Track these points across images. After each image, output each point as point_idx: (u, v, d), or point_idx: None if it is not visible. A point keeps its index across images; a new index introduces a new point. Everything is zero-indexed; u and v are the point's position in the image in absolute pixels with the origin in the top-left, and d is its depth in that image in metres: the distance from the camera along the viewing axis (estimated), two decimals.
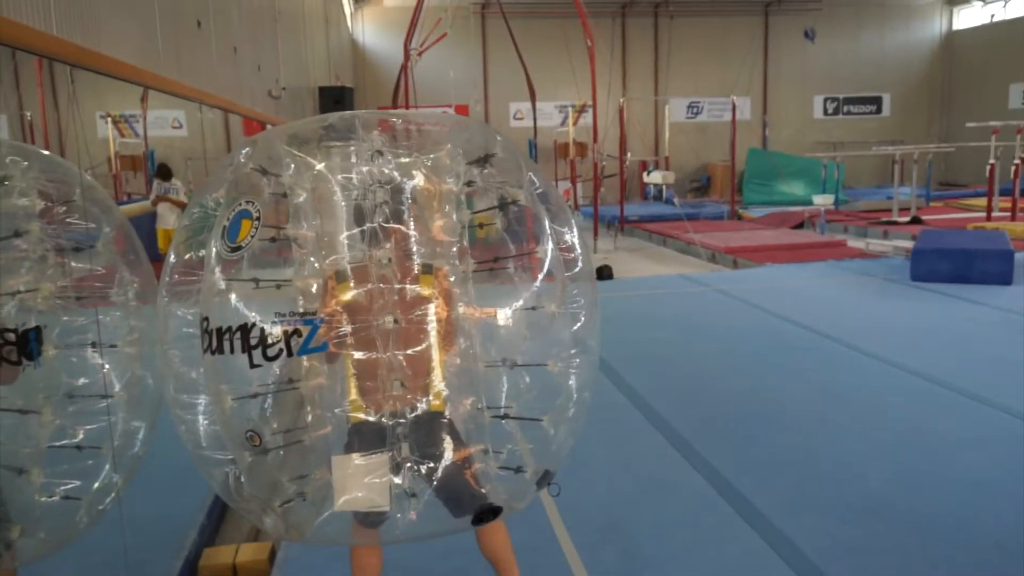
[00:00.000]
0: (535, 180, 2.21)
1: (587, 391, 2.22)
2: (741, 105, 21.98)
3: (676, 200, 16.76)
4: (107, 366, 2.36)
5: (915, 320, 6.78)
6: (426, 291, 2.05)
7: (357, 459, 1.97)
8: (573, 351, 2.18)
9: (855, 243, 11.65)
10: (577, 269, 2.20)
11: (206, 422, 2.09)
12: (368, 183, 2.04)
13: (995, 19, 24.26)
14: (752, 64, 22.93)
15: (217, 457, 2.09)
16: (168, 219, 9.56)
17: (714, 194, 21.17)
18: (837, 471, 3.70)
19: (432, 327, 2.06)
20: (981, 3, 24.46)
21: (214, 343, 1.95)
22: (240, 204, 2.05)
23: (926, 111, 24.30)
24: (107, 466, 2.32)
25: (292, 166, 2.05)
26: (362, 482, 1.95)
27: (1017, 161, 12.80)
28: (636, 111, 19.95)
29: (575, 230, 2.26)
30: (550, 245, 2.15)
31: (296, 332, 1.92)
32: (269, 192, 2.06)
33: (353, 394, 2.07)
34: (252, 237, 1.99)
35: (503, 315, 2.10)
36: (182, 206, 9.59)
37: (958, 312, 6.97)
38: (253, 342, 1.91)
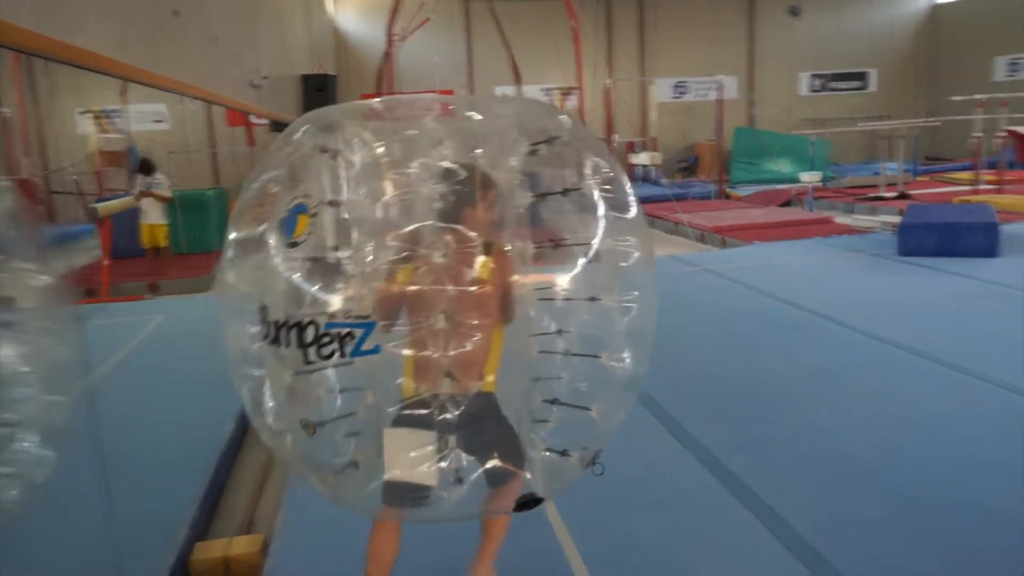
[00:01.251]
0: (602, 165, 2.16)
1: (637, 382, 2.22)
2: (727, 84, 21.94)
3: (663, 180, 16.74)
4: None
5: (903, 295, 6.81)
6: (484, 276, 2.04)
7: (408, 434, 2.02)
8: (624, 342, 2.17)
9: (843, 220, 11.68)
10: (634, 259, 2.16)
11: (269, 394, 2.11)
12: (427, 175, 2.03)
13: None
14: (738, 42, 22.88)
15: (278, 426, 2.11)
16: (151, 214, 9.46)
17: (702, 174, 21.16)
18: (828, 447, 3.72)
19: (487, 320, 2.10)
20: None
21: (271, 333, 1.98)
22: (298, 198, 2.03)
23: (912, 86, 24.31)
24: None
25: (356, 143, 2.04)
26: (411, 457, 2.00)
27: (1002, 134, 12.83)
28: (622, 92, 19.84)
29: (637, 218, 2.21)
30: (600, 230, 2.09)
31: (350, 334, 1.93)
32: (328, 170, 2.05)
33: (407, 375, 2.10)
34: (308, 234, 1.99)
35: (562, 280, 2.10)
36: (166, 200, 9.49)
37: (945, 286, 7.00)
38: (308, 340, 1.94)
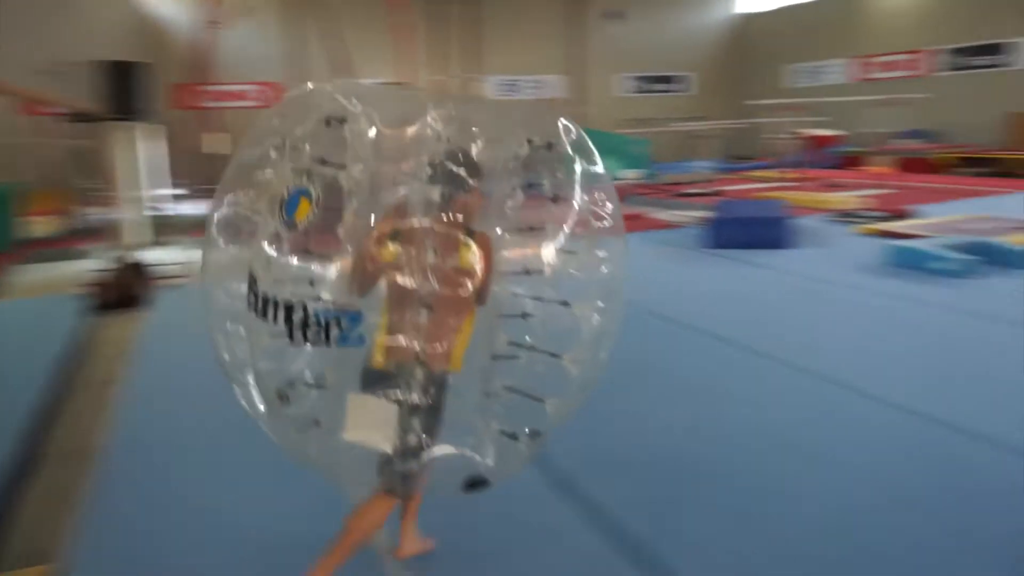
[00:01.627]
0: (591, 167, 2.33)
1: (593, 384, 2.32)
2: (551, 83, 22.65)
3: None
4: None
5: (712, 284, 7.34)
6: (465, 265, 2.16)
7: (372, 401, 2.09)
8: (587, 345, 2.28)
9: (660, 215, 12.38)
10: (606, 225, 2.29)
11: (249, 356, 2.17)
12: (431, 159, 2.13)
13: (777, 5, 26.47)
14: (567, 42, 23.67)
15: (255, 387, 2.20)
16: None
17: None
18: (640, 432, 3.93)
19: (463, 309, 2.22)
20: None
21: (259, 306, 2.04)
22: (303, 180, 2.07)
23: (724, 89, 26.19)
24: None
25: (360, 113, 2.10)
26: (371, 422, 2.08)
27: (794, 135, 14.10)
28: (455, 89, 19.99)
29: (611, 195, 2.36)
30: (576, 198, 2.25)
31: (337, 322, 2.02)
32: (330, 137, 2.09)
33: (379, 346, 2.16)
34: (309, 219, 2.04)
35: (546, 252, 2.23)
36: None
37: (747, 275, 7.62)
38: (295, 321, 2.01)
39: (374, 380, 2.14)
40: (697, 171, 15.07)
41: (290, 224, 2.05)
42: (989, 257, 7.29)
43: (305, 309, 2.00)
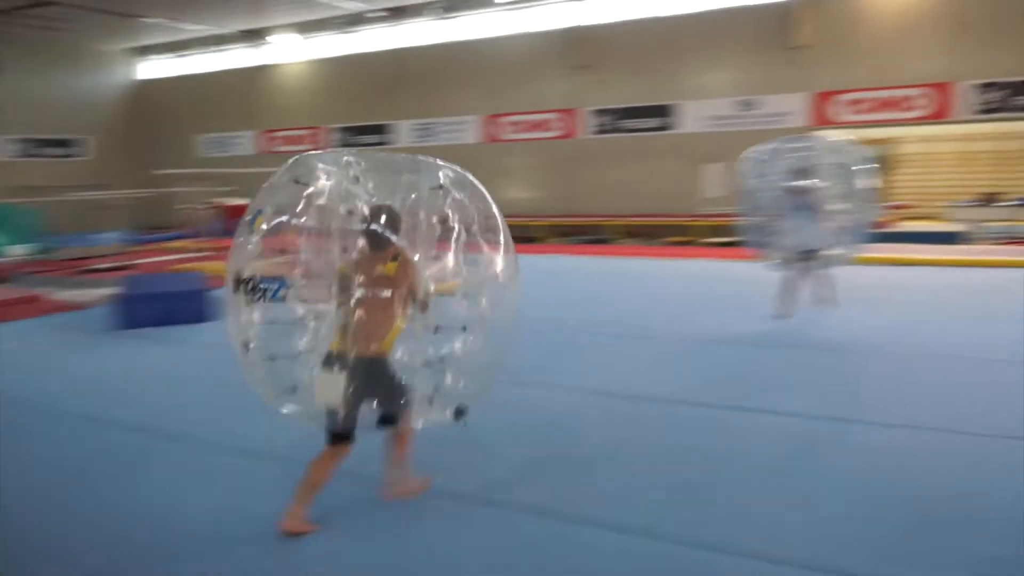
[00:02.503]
0: (467, 199, 3.51)
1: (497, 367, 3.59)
2: None
3: None
4: None
5: (124, 368, 6.74)
6: (389, 274, 3.38)
7: (328, 374, 3.29)
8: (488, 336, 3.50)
9: (60, 295, 10.99)
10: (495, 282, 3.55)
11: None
12: (364, 205, 3.43)
13: (180, 73, 26.36)
14: None
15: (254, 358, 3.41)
16: None
17: None
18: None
19: (389, 300, 3.36)
20: (167, 56, 26.22)
21: (239, 287, 3.37)
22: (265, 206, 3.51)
23: (128, 156, 24.84)
24: None
25: (322, 177, 3.47)
26: (330, 387, 3.28)
27: (205, 206, 14.09)
28: None
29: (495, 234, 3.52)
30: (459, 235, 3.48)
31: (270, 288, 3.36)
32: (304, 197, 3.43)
33: (335, 335, 3.38)
34: (263, 228, 3.46)
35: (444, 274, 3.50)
36: None
37: (164, 354, 7.21)
38: (249, 288, 3.36)
39: (330, 360, 3.32)
40: (105, 244, 13.86)
41: (252, 230, 3.42)
42: None
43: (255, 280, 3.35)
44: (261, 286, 3.30)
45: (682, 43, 20.11)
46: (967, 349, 6.50)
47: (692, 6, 20.29)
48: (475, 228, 3.47)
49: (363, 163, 3.49)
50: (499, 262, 3.50)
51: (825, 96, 18.76)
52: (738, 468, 4.18)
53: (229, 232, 15.08)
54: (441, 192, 3.49)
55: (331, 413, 3.31)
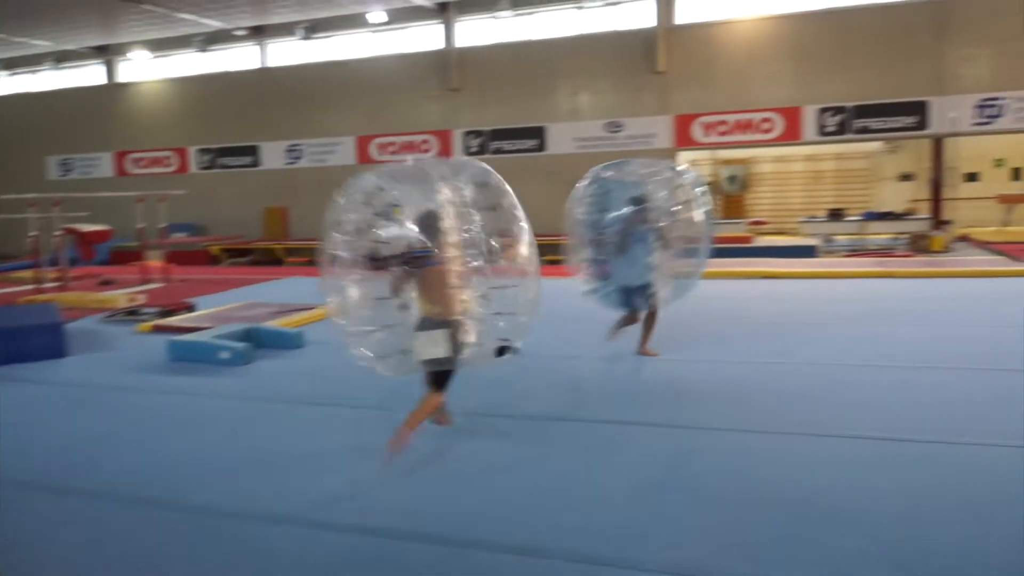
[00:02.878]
0: (504, 202, 4.66)
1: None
2: None
3: None
4: None
5: None
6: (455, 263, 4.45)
7: (426, 333, 4.41)
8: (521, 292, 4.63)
9: None
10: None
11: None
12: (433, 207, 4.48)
13: (26, 90, 24.60)
14: None
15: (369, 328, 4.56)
16: None
17: None
18: None
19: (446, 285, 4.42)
20: (9, 73, 24.42)
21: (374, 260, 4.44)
22: (391, 210, 4.49)
23: None
24: None
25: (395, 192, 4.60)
26: (430, 344, 4.39)
27: (59, 232, 13.16)
28: None
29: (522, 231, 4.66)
30: (525, 237, 4.65)
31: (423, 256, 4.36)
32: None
33: (420, 302, 4.50)
34: (401, 214, 4.42)
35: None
36: None
37: (14, 395, 6.64)
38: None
39: (424, 324, 4.43)
40: None
41: (392, 218, 4.45)
42: (258, 341, 7.97)
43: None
44: (415, 254, 4.29)
45: (553, 66, 20.70)
46: (827, 356, 6.99)
47: (563, 31, 20.94)
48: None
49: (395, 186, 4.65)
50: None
51: (687, 119, 19.79)
52: (615, 480, 4.28)
53: (84, 260, 14.27)
54: (486, 191, 4.68)
55: (435, 362, 4.44)
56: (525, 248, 4.60)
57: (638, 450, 4.74)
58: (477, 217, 4.52)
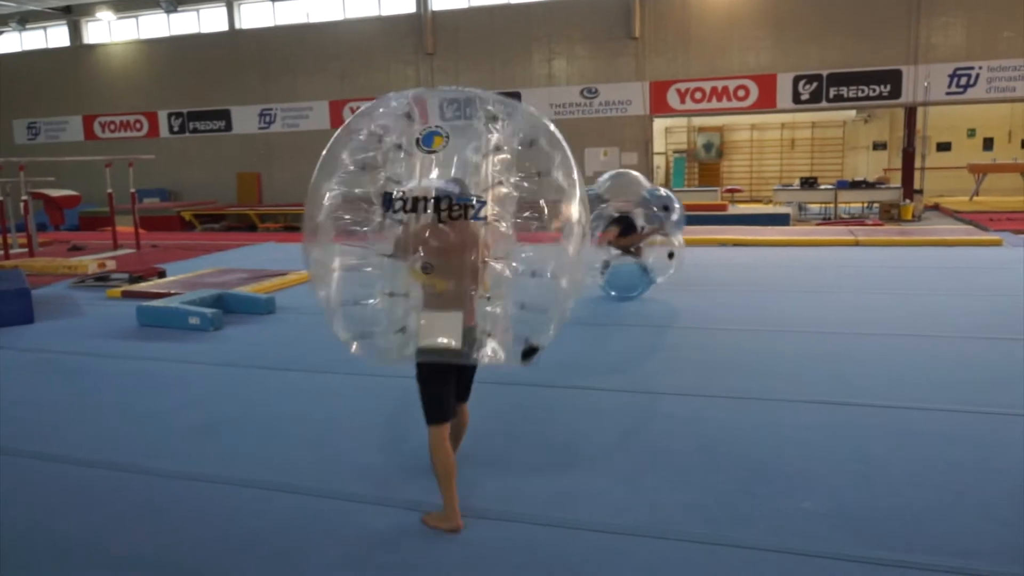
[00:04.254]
0: (565, 162, 3.36)
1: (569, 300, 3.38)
2: None
3: None
4: None
5: None
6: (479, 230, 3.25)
7: (438, 314, 3.22)
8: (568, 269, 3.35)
9: None
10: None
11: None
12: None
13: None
14: None
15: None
16: None
17: None
18: None
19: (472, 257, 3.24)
20: None
21: (402, 205, 3.19)
22: (432, 127, 3.26)
23: None
24: None
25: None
26: (441, 327, 3.20)
27: (25, 198, 12.92)
28: None
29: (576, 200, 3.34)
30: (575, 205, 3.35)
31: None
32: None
33: (434, 272, 3.23)
34: (444, 147, 3.21)
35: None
36: None
37: None
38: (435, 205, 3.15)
39: (434, 301, 3.23)
40: None
41: (430, 150, 3.22)
42: (229, 307, 7.94)
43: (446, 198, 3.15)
44: (459, 202, 3.10)
45: (529, 31, 20.49)
46: (798, 323, 7.09)
47: None
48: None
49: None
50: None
51: (662, 85, 19.72)
52: (577, 445, 4.35)
53: (52, 226, 14.02)
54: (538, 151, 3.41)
55: (440, 352, 3.20)
56: (575, 209, 3.34)
57: (601, 414, 4.82)
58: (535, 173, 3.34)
